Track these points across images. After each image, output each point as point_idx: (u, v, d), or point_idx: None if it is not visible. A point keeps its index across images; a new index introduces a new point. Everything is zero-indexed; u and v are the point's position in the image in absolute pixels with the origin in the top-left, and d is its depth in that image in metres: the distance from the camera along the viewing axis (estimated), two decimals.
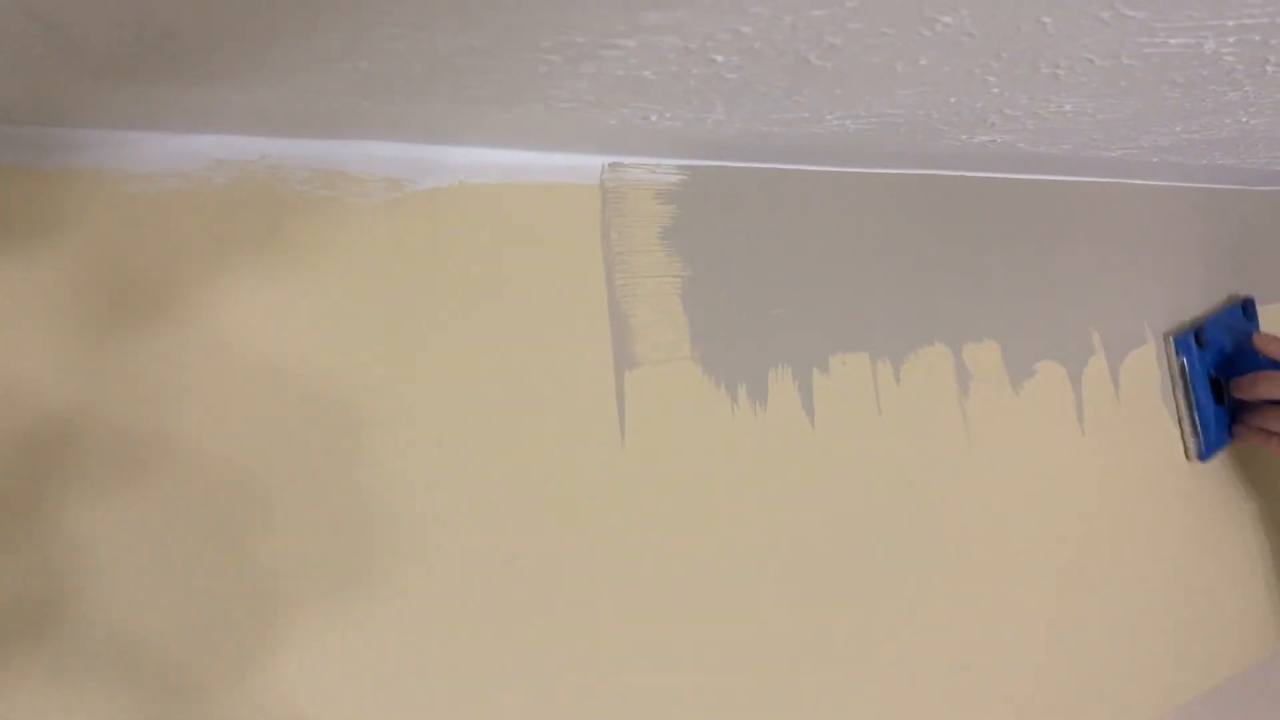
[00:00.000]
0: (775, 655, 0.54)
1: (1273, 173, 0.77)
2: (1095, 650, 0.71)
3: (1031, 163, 0.62)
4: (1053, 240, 0.71)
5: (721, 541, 0.52)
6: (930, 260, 0.63)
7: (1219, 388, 0.78)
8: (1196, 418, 0.77)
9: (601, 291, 0.49)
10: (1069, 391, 0.72)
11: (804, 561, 0.55)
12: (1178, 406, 0.77)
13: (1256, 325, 0.82)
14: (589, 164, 0.49)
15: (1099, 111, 0.47)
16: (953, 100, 0.43)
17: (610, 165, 0.50)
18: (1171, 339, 0.77)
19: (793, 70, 0.35)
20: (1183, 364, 0.76)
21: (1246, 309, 0.82)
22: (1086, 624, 0.71)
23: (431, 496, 0.42)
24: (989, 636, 0.64)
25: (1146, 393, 0.76)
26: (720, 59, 0.33)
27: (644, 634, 0.48)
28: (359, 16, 0.26)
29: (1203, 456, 0.76)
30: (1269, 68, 0.40)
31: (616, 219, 0.50)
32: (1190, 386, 0.76)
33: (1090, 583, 0.71)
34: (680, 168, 0.52)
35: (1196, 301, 0.82)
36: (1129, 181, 0.75)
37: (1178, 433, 0.78)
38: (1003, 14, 0.30)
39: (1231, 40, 0.35)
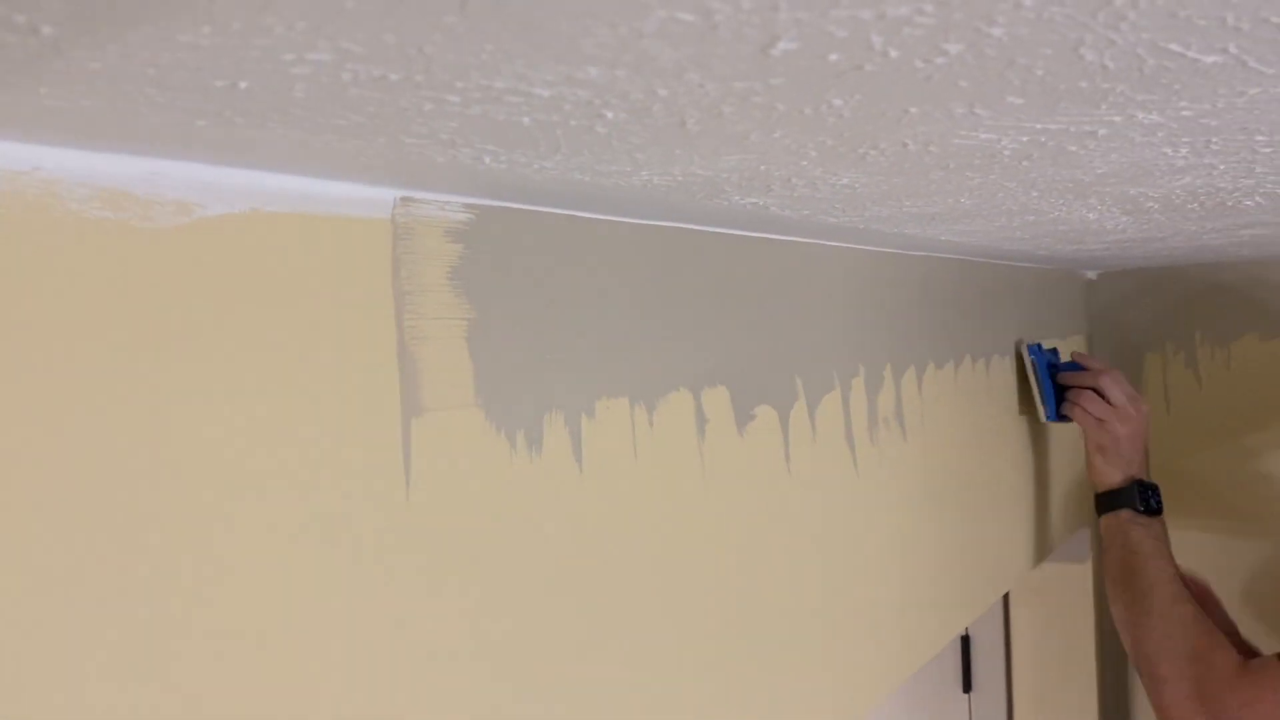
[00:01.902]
0: (559, 696, 0.53)
1: (951, 243, 0.87)
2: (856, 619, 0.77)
3: (773, 224, 0.67)
4: (773, 293, 0.76)
5: (501, 597, 0.51)
6: (679, 308, 0.65)
7: (1054, 381, 1.26)
8: (1042, 394, 1.25)
9: (391, 332, 0.46)
10: (778, 432, 0.77)
11: (580, 615, 0.55)
12: (1030, 387, 1.26)
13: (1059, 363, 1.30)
14: (381, 196, 0.46)
15: (866, 186, 0.52)
16: (762, 168, 0.45)
17: (402, 199, 0.47)
18: (1025, 344, 1.25)
19: (661, 130, 0.35)
20: (1033, 360, 1.25)
21: (1055, 352, 1.31)
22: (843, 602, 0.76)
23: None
24: (749, 666, 0.68)
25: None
26: (610, 115, 0.32)
27: (433, 683, 0.46)
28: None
29: (1049, 418, 1.26)
30: (1025, 163, 0.46)
31: (406, 256, 0.47)
32: (1038, 374, 1.24)
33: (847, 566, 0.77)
34: (467, 206, 0.50)
35: (901, 354, 0.91)
36: (832, 244, 0.83)
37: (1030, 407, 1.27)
38: (884, 102, 0.32)
39: (1025, 139, 0.40)
